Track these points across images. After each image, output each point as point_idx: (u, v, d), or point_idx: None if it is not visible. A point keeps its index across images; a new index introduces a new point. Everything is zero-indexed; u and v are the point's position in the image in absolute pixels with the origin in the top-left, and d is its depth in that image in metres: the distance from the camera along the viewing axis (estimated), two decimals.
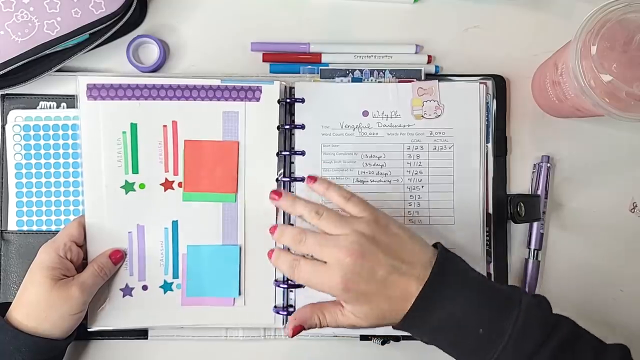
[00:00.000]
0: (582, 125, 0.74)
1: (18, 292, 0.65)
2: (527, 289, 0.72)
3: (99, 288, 0.68)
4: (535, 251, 0.73)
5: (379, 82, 0.72)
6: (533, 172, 0.73)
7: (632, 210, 0.75)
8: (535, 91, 0.74)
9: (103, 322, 0.69)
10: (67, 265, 0.65)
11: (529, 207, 0.70)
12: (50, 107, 0.72)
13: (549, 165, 0.73)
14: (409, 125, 0.72)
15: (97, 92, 0.68)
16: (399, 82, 0.72)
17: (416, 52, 0.74)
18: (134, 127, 0.69)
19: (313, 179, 0.63)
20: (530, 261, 0.72)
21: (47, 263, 0.64)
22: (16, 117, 0.72)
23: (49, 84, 0.72)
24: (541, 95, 0.72)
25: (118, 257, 0.68)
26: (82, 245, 0.68)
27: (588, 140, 0.75)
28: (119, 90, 0.68)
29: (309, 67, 0.72)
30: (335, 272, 0.56)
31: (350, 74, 0.72)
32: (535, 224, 0.73)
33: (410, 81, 0.72)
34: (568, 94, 0.65)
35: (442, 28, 0.75)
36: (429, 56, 0.74)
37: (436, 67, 0.74)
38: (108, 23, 0.68)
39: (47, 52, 0.67)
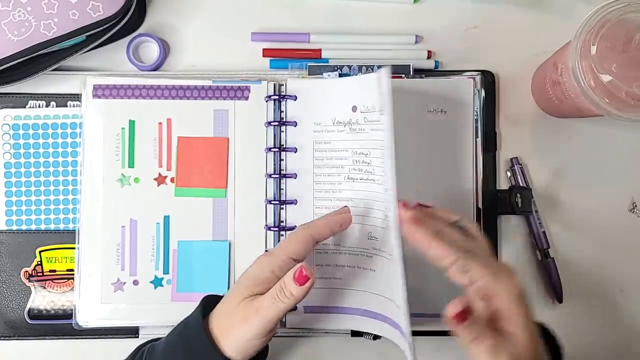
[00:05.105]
0: (582, 125, 0.77)
1: None
2: (555, 289, 0.75)
3: (92, 283, 0.71)
4: (546, 250, 0.75)
5: None
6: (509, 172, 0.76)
7: (632, 210, 0.76)
8: (535, 91, 0.77)
9: (94, 317, 0.72)
10: (271, 284, 0.59)
11: (523, 200, 0.73)
12: (39, 106, 0.75)
13: (520, 166, 0.75)
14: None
15: (102, 91, 0.74)
16: None
17: (416, 42, 0.77)
18: (132, 123, 0.74)
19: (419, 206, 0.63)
20: (549, 260, 0.75)
21: (255, 274, 0.60)
22: (5, 116, 0.75)
23: (39, 82, 0.75)
24: (541, 95, 0.75)
25: (300, 278, 0.58)
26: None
27: (588, 140, 0.77)
28: (121, 90, 0.74)
29: (298, 63, 0.76)
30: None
31: (339, 69, 0.75)
32: (533, 224, 0.75)
33: (399, 77, 0.74)
34: (568, 94, 0.67)
35: (441, 28, 0.78)
36: (429, 51, 0.77)
37: (436, 62, 0.77)
38: (105, 26, 0.71)
39: (43, 52, 0.70)
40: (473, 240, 0.61)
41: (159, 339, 0.65)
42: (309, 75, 0.74)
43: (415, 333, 0.70)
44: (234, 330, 0.59)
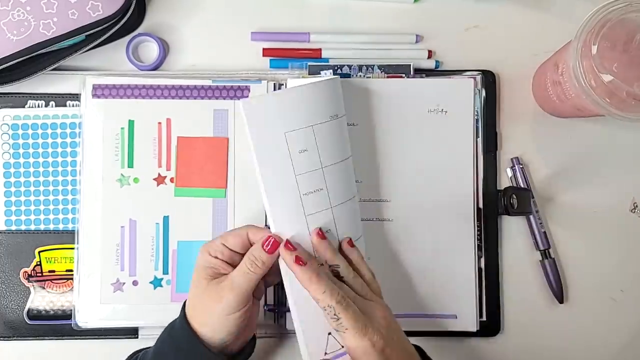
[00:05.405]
0: (582, 125, 0.77)
1: None
2: (553, 290, 0.75)
3: (91, 283, 0.72)
4: (546, 251, 0.75)
5: (367, 77, 0.75)
6: (510, 172, 0.77)
7: (632, 210, 0.77)
8: (535, 91, 0.77)
9: (93, 318, 0.72)
10: (218, 264, 0.63)
11: (521, 201, 0.73)
12: (38, 106, 0.75)
13: (521, 166, 0.76)
14: None
15: (101, 91, 0.74)
16: (388, 77, 0.75)
17: (416, 42, 0.77)
18: (131, 123, 0.74)
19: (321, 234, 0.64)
20: (547, 262, 0.75)
21: (201, 262, 0.64)
22: (4, 116, 0.75)
23: (38, 82, 0.75)
24: (542, 95, 0.75)
25: (273, 246, 0.62)
26: (237, 253, 0.64)
27: (588, 140, 0.77)
28: (120, 89, 0.74)
29: (298, 63, 0.76)
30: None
31: (339, 69, 0.75)
32: (534, 224, 0.75)
33: (399, 77, 0.75)
34: (569, 94, 0.67)
35: (442, 28, 0.78)
36: (429, 51, 0.77)
37: (436, 62, 0.77)
38: (105, 25, 0.72)
39: (42, 51, 0.71)
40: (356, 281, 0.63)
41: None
42: (309, 75, 0.75)
43: (414, 333, 0.70)
44: (209, 312, 0.61)
